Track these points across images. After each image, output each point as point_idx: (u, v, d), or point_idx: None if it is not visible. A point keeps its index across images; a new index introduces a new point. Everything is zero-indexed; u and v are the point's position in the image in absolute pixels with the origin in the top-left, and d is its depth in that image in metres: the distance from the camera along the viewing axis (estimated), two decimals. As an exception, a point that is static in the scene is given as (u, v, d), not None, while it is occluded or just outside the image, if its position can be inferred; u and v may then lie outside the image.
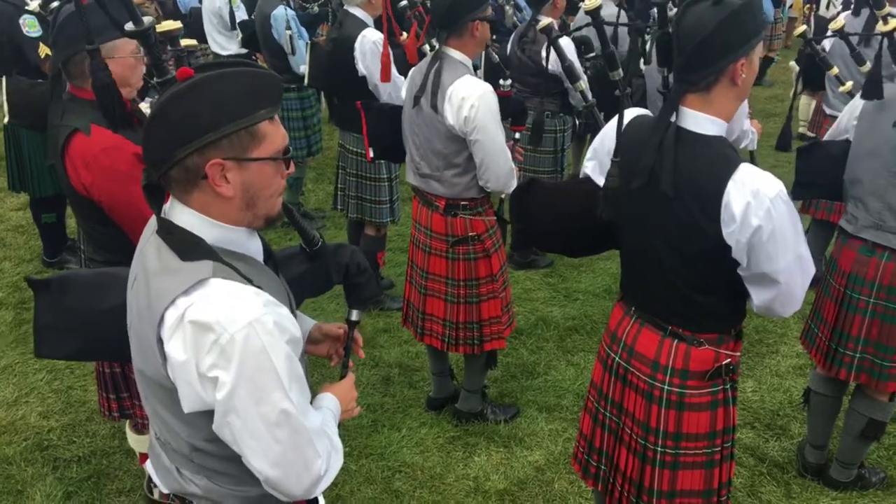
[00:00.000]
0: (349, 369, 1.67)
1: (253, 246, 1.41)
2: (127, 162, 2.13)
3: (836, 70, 3.32)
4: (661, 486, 2.02)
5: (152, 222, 1.43)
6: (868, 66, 2.92)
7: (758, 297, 1.83)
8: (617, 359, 2.09)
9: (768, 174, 1.73)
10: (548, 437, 3.29)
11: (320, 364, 3.63)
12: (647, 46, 3.40)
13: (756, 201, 1.69)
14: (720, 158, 1.76)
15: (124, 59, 2.22)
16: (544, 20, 3.38)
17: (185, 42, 2.50)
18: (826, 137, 2.91)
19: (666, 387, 1.97)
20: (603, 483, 2.20)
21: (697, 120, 1.79)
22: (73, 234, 4.75)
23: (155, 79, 2.00)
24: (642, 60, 3.72)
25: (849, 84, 3.30)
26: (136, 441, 2.67)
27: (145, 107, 2.61)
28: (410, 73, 3.07)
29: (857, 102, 2.70)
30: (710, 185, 1.74)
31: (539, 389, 3.62)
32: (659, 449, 2.01)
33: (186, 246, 1.29)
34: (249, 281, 1.29)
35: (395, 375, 3.71)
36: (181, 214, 1.32)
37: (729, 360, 1.95)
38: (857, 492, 2.96)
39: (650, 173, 1.80)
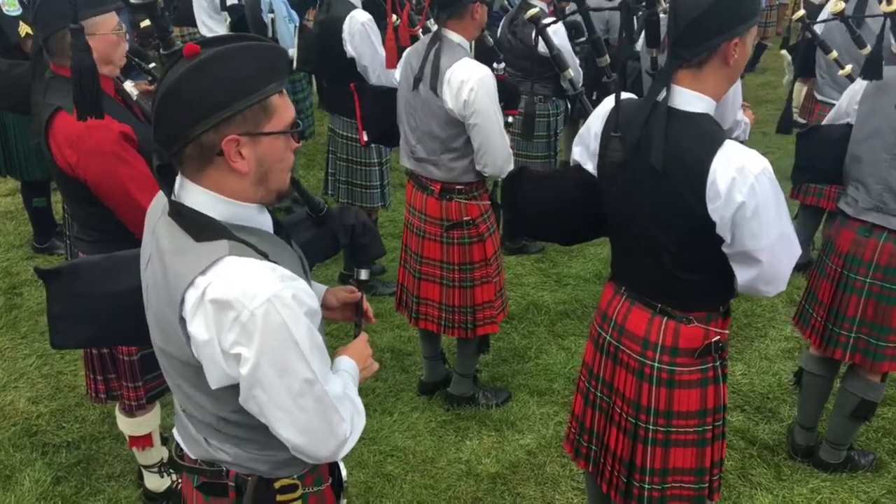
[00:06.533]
0: (361, 328, 1.70)
1: (264, 220, 1.42)
2: (111, 141, 2.11)
3: (835, 54, 3.32)
4: (653, 465, 2.03)
5: (157, 201, 1.43)
6: (868, 49, 2.93)
7: (741, 275, 1.83)
8: (608, 337, 2.09)
9: (754, 151, 1.73)
10: (539, 420, 3.29)
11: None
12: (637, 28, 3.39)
13: (740, 177, 1.69)
14: (706, 135, 1.77)
15: (106, 35, 2.19)
16: (532, 9, 3.35)
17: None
18: (826, 121, 2.91)
19: (656, 364, 1.97)
20: (594, 464, 2.21)
21: (686, 97, 1.79)
22: (61, 220, 4.71)
23: (161, 51, 1.97)
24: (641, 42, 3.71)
25: (848, 67, 3.30)
26: (125, 424, 2.65)
27: (130, 86, 2.57)
28: (405, 55, 3.03)
29: (858, 86, 2.70)
30: (695, 161, 1.74)
31: (530, 373, 3.62)
32: (650, 427, 2.01)
33: (199, 227, 1.29)
34: (265, 255, 1.30)
35: (387, 360, 3.70)
36: (192, 194, 1.32)
37: (718, 337, 1.96)
38: (846, 473, 2.97)
39: (637, 148, 1.80)
